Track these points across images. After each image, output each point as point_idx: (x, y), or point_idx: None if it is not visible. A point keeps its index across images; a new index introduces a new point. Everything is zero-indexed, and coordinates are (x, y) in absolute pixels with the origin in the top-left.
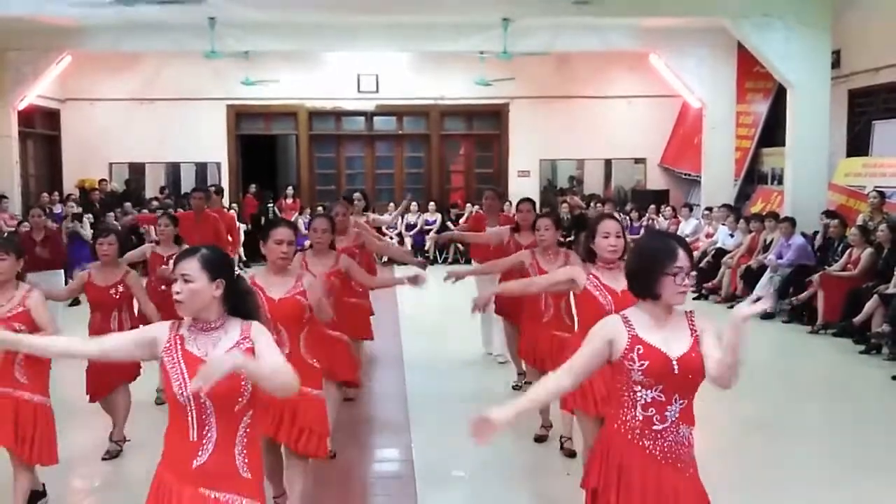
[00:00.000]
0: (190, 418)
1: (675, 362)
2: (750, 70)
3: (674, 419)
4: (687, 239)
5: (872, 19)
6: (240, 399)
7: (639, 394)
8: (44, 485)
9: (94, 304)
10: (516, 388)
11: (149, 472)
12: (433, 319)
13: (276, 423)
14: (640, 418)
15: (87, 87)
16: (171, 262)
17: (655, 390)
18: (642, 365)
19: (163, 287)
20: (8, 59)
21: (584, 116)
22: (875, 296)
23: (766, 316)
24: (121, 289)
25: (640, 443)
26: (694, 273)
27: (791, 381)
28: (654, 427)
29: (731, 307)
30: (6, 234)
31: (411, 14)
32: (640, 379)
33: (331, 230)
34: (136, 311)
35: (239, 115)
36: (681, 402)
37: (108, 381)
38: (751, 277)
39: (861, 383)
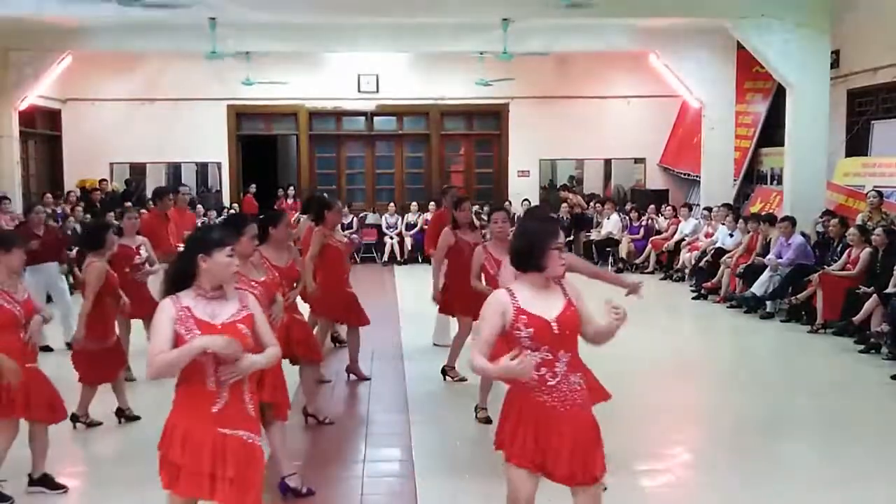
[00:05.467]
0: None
1: (553, 323)
2: (749, 70)
3: (563, 373)
4: (686, 239)
5: (871, 19)
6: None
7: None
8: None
9: None
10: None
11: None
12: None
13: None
14: (536, 378)
15: (87, 87)
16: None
17: (542, 351)
18: (529, 332)
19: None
20: (9, 59)
21: (583, 116)
22: (874, 295)
23: (766, 316)
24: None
25: (540, 398)
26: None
27: (790, 380)
28: (549, 383)
29: (731, 307)
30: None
31: (411, 15)
32: (528, 344)
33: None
34: None
35: (239, 116)
36: (566, 355)
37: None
38: (750, 277)
39: (860, 383)
